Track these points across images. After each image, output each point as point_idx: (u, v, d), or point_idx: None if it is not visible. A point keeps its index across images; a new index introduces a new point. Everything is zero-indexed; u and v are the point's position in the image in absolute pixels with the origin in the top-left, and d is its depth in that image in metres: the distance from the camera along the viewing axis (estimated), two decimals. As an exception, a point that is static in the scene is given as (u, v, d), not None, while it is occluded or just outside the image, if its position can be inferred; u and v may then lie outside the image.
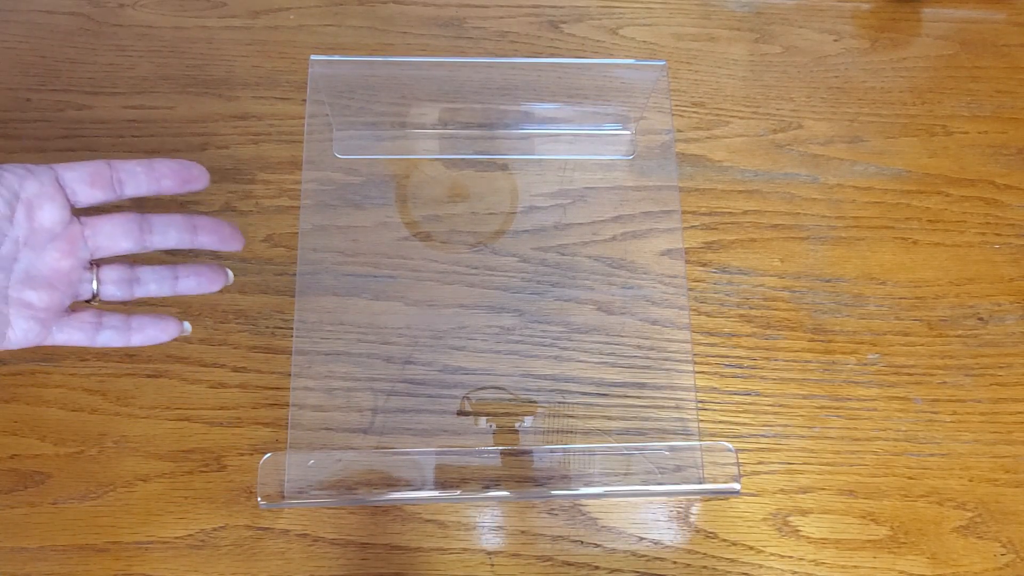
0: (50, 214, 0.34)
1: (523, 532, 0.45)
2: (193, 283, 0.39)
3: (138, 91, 0.55)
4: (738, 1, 0.62)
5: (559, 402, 0.48)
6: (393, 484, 0.45)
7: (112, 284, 0.37)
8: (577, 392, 0.48)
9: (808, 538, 0.46)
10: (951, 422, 0.49)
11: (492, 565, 0.44)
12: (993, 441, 0.49)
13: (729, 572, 0.45)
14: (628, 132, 0.56)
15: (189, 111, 0.54)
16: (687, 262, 0.52)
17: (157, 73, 0.55)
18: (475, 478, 0.46)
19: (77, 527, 0.44)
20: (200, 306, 0.49)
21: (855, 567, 0.45)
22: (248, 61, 0.56)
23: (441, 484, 0.45)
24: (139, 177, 0.36)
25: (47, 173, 0.34)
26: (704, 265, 0.52)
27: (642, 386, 0.49)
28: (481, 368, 0.48)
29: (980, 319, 0.52)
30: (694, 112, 0.57)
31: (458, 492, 0.45)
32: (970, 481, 0.48)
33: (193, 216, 0.38)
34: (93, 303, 0.37)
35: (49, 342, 0.36)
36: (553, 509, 0.46)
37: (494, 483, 0.46)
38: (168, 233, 0.37)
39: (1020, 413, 0.50)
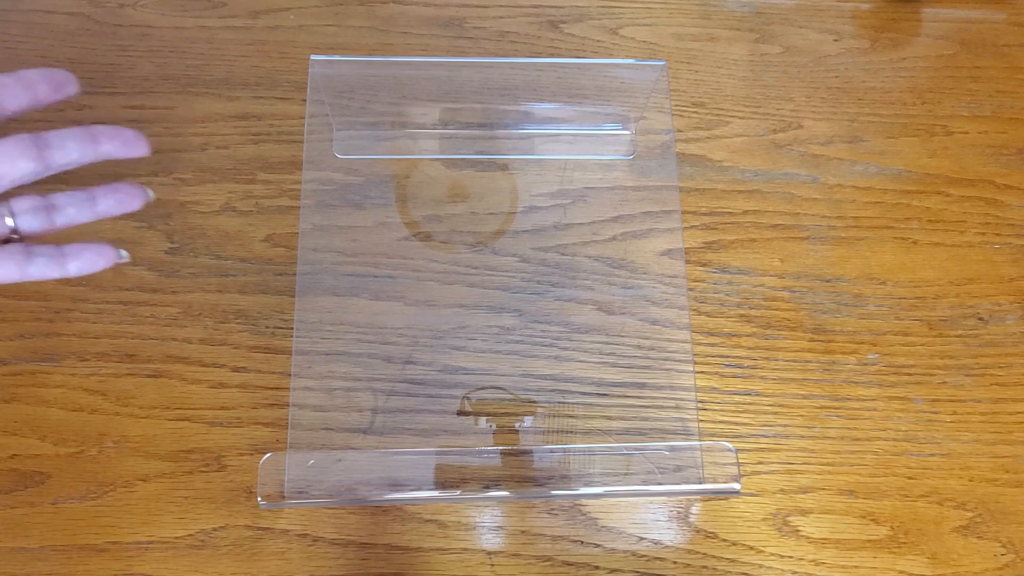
0: None
1: (523, 532, 0.45)
2: (112, 202, 0.37)
3: (138, 91, 0.55)
4: (738, 1, 0.62)
5: (559, 402, 0.48)
6: (393, 484, 0.45)
7: (28, 215, 0.36)
8: (577, 392, 0.48)
9: (808, 538, 0.46)
10: (951, 422, 0.49)
11: (492, 565, 0.44)
12: (993, 441, 0.49)
13: (729, 572, 0.45)
14: (628, 132, 0.56)
15: (189, 111, 0.54)
16: (687, 262, 0.52)
17: (157, 73, 0.55)
18: (475, 478, 0.46)
19: (77, 527, 0.44)
20: (200, 306, 0.49)
21: (855, 567, 0.45)
22: (248, 61, 0.56)
23: (441, 484, 0.45)
24: (13, 88, 0.35)
25: None
26: (704, 265, 0.52)
27: (642, 386, 0.49)
28: (481, 368, 0.48)
29: (980, 319, 0.52)
30: (694, 112, 0.57)
31: (458, 492, 0.45)
32: (970, 481, 0.48)
33: (92, 126, 0.37)
34: (15, 238, 0.36)
35: None
36: (553, 509, 0.46)
37: (494, 483, 0.46)
38: (67, 146, 0.36)
39: (1020, 413, 0.50)
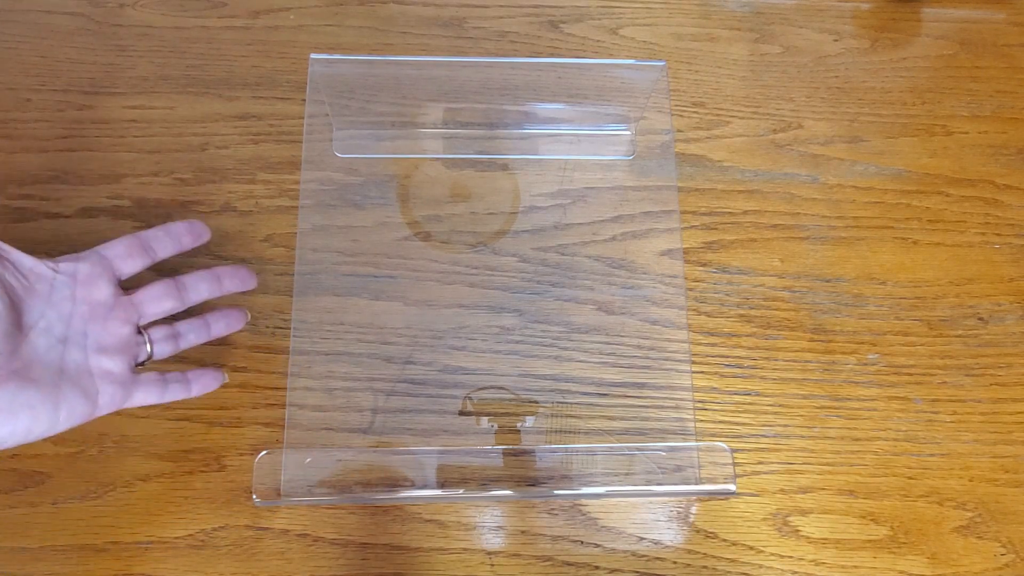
0: (103, 290, 0.39)
1: (523, 532, 0.45)
2: (223, 325, 0.45)
3: (138, 91, 0.55)
4: (738, 1, 0.62)
5: (559, 402, 0.48)
6: (393, 483, 0.45)
7: (162, 343, 0.42)
8: (577, 392, 0.48)
9: (808, 538, 0.46)
10: (951, 422, 0.49)
11: (492, 565, 0.44)
12: (993, 441, 0.49)
13: (729, 572, 0.45)
14: (628, 132, 0.56)
15: (189, 111, 0.54)
16: (687, 262, 0.52)
17: (157, 73, 0.55)
18: (476, 478, 0.46)
19: (77, 527, 0.44)
20: (199, 306, 0.49)
21: (855, 567, 0.45)
22: (248, 61, 0.56)
23: (441, 484, 0.45)
24: (163, 240, 0.42)
25: (92, 256, 0.40)
26: (704, 265, 0.52)
27: (642, 386, 0.49)
28: (481, 368, 0.48)
29: (980, 319, 0.52)
30: (694, 112, 0.57)
31: (460, 491, 0.45)
32: (970, 481, 0.48)
33: (215, 268, 0.44)
34: (147, 364, 0.42)
35: (128, 404, 0.40)
36: (553, 509, 0.46)
37: (494, 483, 0.46)
38: (199, 287, 0.43)
39: (1020, 413, 0.50)
